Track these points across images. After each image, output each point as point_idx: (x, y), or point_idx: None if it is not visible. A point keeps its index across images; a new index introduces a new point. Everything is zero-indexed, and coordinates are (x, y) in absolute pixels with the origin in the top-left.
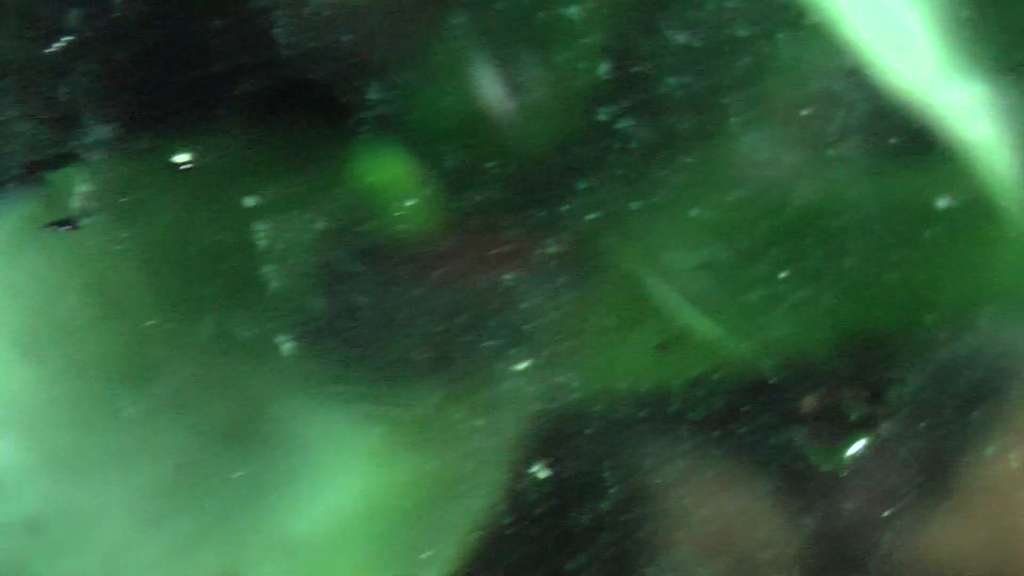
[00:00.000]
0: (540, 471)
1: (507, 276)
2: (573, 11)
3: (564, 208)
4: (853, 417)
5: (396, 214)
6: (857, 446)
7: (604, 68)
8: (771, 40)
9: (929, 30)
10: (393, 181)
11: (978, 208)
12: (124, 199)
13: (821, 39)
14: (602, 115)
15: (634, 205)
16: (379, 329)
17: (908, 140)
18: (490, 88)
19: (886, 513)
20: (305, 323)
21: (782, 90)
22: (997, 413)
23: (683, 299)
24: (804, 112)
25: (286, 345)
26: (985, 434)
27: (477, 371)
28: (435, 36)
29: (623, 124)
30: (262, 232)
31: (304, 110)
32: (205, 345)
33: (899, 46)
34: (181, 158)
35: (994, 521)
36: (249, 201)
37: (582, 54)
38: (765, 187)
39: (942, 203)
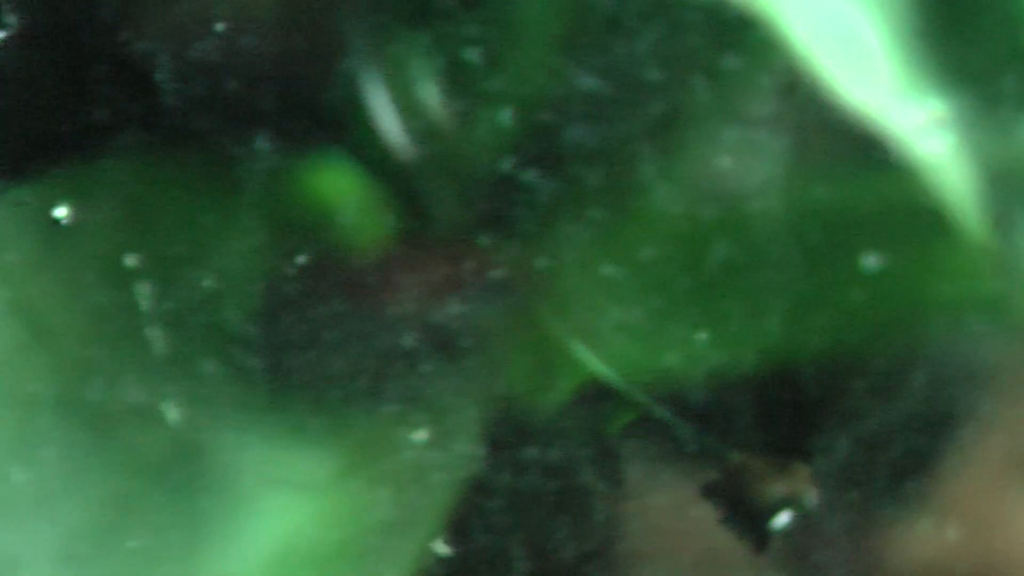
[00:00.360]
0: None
1: (407, 338)
2: (473, 55)
3: (465, 267)
4: (778, 488)
5: (287, 270)
6: (783, 518)
7: (507, 116)
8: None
9: (883, 44)
10: (282, 233)
11: (932, 226)
12: (2, 256)
13: (761, 59)
14: (506, 166)
15: (541, 262)
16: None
17: (858, 160)
18: (386, 138)
19: None
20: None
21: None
22: (933, 479)
23: (597, 361)
24: (728, 154)
25: (172, 411)
26: (920, 505)
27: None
28: (327, 82)
29: (528, 176)
30: (147, 292)
31: (190, 161)
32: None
33: (850, 60)
34: (61, 212)
35: None
36: (133, 259)
37: (483, 100)
38: (687, 235)
39: (892, 226)
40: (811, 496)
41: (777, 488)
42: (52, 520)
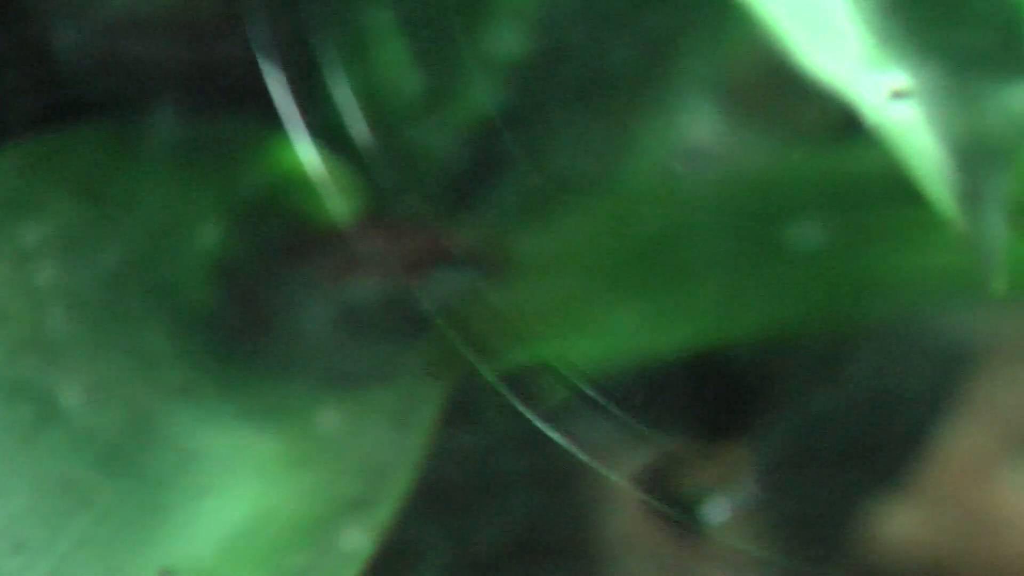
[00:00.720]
0: None
1: (363, 316)
2: (435, 31)
3: (419, 245)
4: (711, 474)
5: (244, 248)
6: (716, 504)
7: (466, 96)
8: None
9: (849, 13)
10: (240, 210)
11: (902, 197)
12: None
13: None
14: (459, 147)
15: (490, 241)
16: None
17: (829, 128)
18: (347, 115)
19: None
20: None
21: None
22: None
23: (537, 340)
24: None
25: (124, 392)
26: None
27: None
28: (231, 48)
29: (482, 155)
30: (46, 269)
31: (91, 130)
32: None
33: (816, 29)
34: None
35: None
36: (32, 234)
37: (444, 79)
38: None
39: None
40: (747, 482)
41: (710, 474)
42: (26, 471)
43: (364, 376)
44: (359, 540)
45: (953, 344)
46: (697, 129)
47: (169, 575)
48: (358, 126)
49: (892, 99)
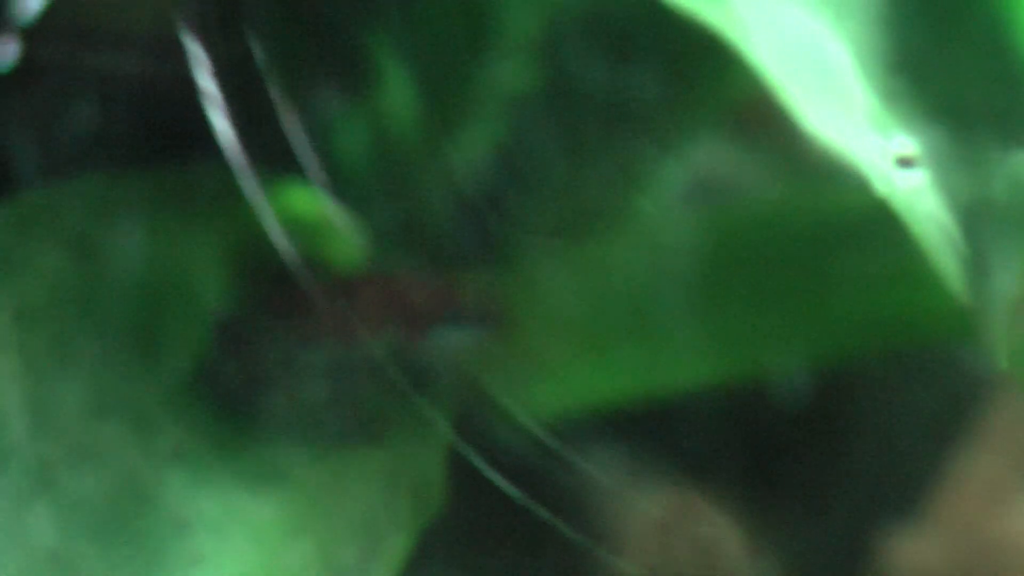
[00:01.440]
0: None
1: (368, 371)
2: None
3: (428, 295)
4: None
5: (244, 299)
6: None
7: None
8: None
9: (855, 73)
10: (240, 259)
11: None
12: None
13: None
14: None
15: (505, 289)
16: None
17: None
18: (348, 159)
19: None
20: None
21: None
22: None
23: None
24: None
25: (116, 453)
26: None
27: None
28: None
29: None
30: (39, 328)
31: (85, 183)
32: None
33: (820, 89)
34: None
35: None
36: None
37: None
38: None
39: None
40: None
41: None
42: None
43: (359, 436)
44: None
45: (966, 373)
46: (707, 163)
47: None
48: (359, 169)
49: (899, 167)
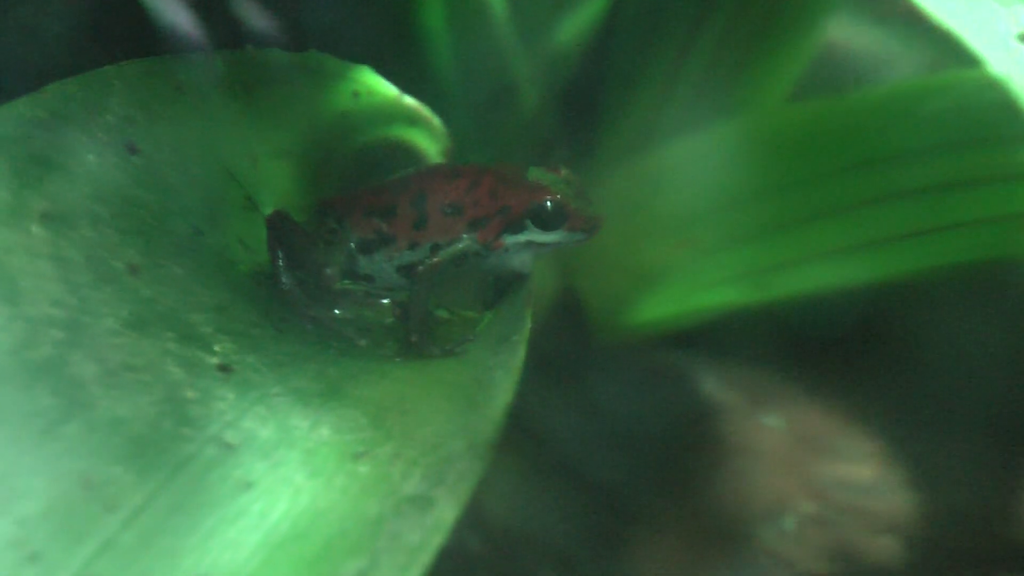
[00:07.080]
0: None
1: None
2: None
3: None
4: None
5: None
6: None
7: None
8: None
9: None
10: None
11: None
12: None
13: None
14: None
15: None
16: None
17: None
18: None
19: None
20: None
21: None
22: None
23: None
24: None
25: (159, 374)
26: None
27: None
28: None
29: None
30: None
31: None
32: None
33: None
34: None
35: None
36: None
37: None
38: None
39: None
40: None
41: None
42: (10, 507)
43: (429, 352)
44: (419, 545)
45: None
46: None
47: None
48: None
49: (1020, 41)
